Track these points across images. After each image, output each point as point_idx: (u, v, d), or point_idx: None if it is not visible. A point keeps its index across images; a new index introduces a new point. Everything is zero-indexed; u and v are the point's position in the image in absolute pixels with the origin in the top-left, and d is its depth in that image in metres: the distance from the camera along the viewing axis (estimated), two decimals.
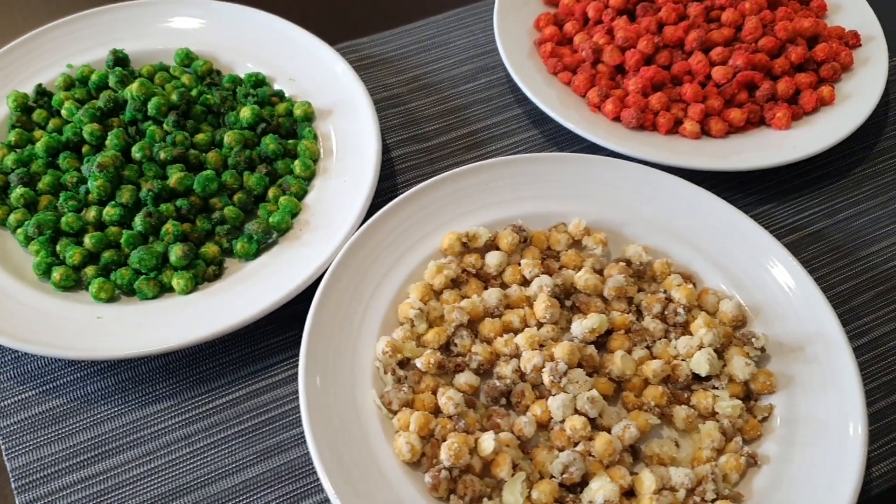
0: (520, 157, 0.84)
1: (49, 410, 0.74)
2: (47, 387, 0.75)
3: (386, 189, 0.89)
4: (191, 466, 0.71)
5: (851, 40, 0.98)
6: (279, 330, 0.78)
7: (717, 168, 0.85)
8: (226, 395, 0.75)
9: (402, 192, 0.88)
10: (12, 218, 0.81)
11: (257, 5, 1.07)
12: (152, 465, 0.71)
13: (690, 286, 0.76)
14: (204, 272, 0.78)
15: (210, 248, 0.79)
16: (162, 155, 0.83)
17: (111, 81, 0.90)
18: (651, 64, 0.94)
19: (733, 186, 0.91)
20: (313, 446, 0.65)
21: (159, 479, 0.70)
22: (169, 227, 0.79)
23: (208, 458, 0.72)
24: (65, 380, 0.76)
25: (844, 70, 0.96)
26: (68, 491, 0.69)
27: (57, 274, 0.77)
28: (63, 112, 0.88)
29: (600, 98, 0.91)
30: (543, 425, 0.70)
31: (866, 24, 1.00)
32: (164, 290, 0.78)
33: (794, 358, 0.73)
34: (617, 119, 0.91)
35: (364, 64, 1.01)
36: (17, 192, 0.82)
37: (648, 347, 0.74)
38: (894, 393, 0.76)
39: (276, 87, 0.94)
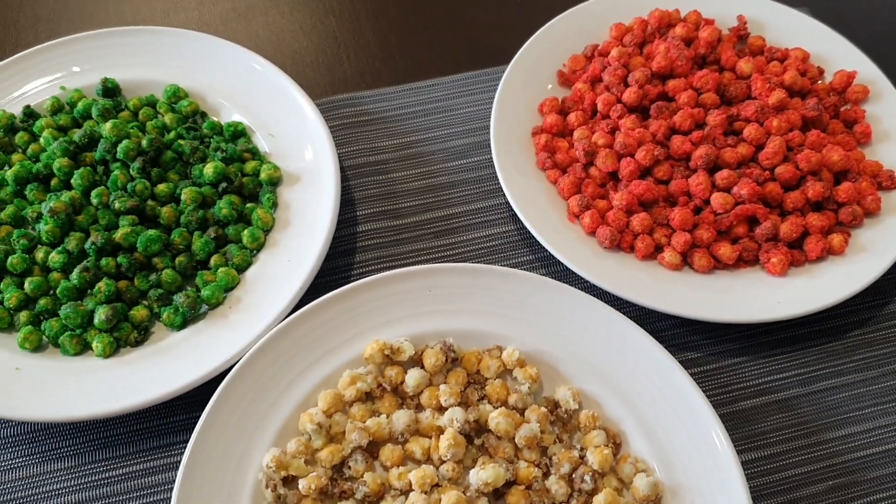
0: (471, 266, 0.78)
1: None
2: None
3: (340, 267, 0.86)
4: None
5: (886, 181, 0.86)
6: (190, 407, 0.77)
7: (682, 315, 0.77)
8: (124, 467, 0.75)
9: (356, 273, 0.86)
10: None
11: (275, 48, 1.04)
12: None
13: (608, 451, 0.70)
14: (127, 336, 0.78)
15: (139, 312, 0.79)
16: (116, 205, 0.82)
17: (94, 113, 0.90)
18: (649, 175, 0.86)
19: (707, 328, 0.83)
20: None
21: None
22: (101, 285, 0.78)
23: None
24: None
25: (868, 215, 0.85)
26: None
27: None
28: (41, 140, 0.88)
29: (580, 208, 0.84)
30: None
31: None
32: (88, 347, 0.78)
33: None
34: (594, 234, 0.84)
35: (360, 121, 0.97)
36: None
37: None
38: None
39: (256, 139, 0.91)
